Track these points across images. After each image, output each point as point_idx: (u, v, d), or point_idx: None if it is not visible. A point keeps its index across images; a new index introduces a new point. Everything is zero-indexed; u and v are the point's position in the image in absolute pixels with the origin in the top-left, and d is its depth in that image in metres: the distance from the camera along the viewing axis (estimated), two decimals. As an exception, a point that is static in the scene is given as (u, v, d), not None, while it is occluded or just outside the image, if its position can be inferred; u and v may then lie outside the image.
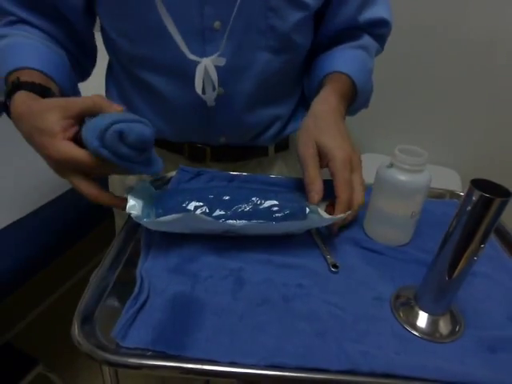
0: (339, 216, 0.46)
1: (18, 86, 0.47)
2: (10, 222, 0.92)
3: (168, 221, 0.42)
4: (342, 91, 0.59)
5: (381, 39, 0.69)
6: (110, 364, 0.33)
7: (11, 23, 0.57)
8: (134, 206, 0.46)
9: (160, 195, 0.49)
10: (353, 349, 0.36)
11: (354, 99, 0.62)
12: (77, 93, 0.61)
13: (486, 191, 0.33)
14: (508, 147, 1.45)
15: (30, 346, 1.18)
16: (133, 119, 0.41)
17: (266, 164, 0.72)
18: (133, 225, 0.49)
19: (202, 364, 0.33)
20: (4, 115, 1.13)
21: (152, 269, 0.43)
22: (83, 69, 0.66)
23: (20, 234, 0.92)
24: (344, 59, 0.63)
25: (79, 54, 0.63)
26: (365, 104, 0.68)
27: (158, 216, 0.46)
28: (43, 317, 1.30)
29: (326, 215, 0.48)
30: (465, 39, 1.29)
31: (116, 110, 0.44)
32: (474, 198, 0.33)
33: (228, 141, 0.65)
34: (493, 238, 0.55)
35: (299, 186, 0.59)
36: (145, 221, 0.44)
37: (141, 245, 0.47)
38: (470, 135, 1.48)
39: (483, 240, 0.35)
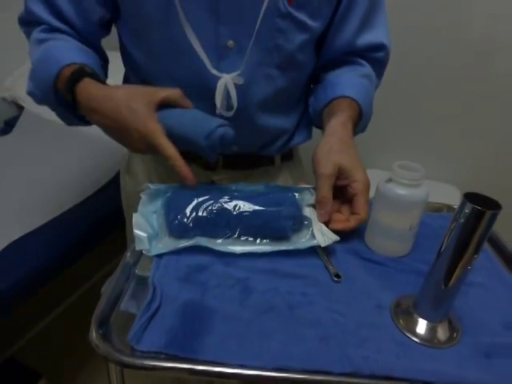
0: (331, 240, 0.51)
1: (82, 74, 0.53)
2: (15, 237, 0.94)
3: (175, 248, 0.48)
4: (354, 119, 0.62)
5: (379, 65, 0.71)
6: (125, 366, 0.35)
7: (47, 30, 0.62)
8: (140, 240, 0.49)
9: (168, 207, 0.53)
10: (355, 353, 0.38)
11: (358, 124, 0.66)
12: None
13: (478, 204, 0.35)
14: (508, 163, 1.48)
15: (34, 361, 1.18)
16: (222, 123, 0.53)
17: (273, 173, 0.76)
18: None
19: (212, 366, 0.35)
20: (14, 132, 1.15)
21: (163, 278, 0.45)
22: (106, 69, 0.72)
23: (24, 250, 0.94)
24: (352, 86, 0.65)
25: (104, 59, 0.69)
26: (363, 129, 0.71)
27: (172, 229, 0.50)
28: (46, 331, 1.31)
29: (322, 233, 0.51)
30: (463, 51, 1.33)
31: (188, 106, 0.55)
32: (466, 211, 0.36)
33: (240, 150, 0.69)
34: (488, 249, 0.57)
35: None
36: (155, 251, 0.49)
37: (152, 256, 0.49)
38: (470, 151, 1.51)
39: (476, 250, 0.37)
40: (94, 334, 0.37)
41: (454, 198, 1.48)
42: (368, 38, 0.67)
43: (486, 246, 0.57)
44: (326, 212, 0.53)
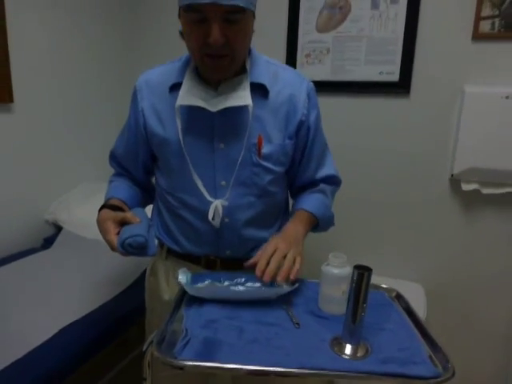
0: (290, 287, 0.83)
1: (103, 206, 0.95)
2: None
3: (200, 287, 0.81)
4: (302, 219, 0.98)
5: (335, 185, 1.11)
6: (174, 366, 0.63)
7: (117, 174, 1.11)
8: (182, 278, 0.83)
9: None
10: (304, 360, 0.66)
11: (317, 223, 1.02)
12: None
13: (361, 270, 0.68)
14: (467, 261, 1.78)
15: None
16: (137, 234, 0.82)
17: None
18: (177, 302, 0.83)
19: (222, 364, 0.63)
20: (52, 247, 1.57)
21: (191, 325, 0.75)
22: (151, 198, 1.15)
23: (65, 337, 1.18)
24: (307, 201, 1.03)
25: (148, 191, 1.13)
26: (325, 229, 1.07)
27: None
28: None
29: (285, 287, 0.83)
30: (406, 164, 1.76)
31: (135, 221, 0.86)
32: (355, 275, 0.68)
33: (232, 254, 1.01)
34: (403, 312, 0.87)
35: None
36: (187, 287, 0.81)
37: (184, 313, 0.79)
38: (431, 252, 1.83)
39: (365, 299, 0.68)
40: (156, 352, 0.65)
41: (417, 295, 1.75)
42: (323, 172, 1.06)
43: (403, 312, 0.87)
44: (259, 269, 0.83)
